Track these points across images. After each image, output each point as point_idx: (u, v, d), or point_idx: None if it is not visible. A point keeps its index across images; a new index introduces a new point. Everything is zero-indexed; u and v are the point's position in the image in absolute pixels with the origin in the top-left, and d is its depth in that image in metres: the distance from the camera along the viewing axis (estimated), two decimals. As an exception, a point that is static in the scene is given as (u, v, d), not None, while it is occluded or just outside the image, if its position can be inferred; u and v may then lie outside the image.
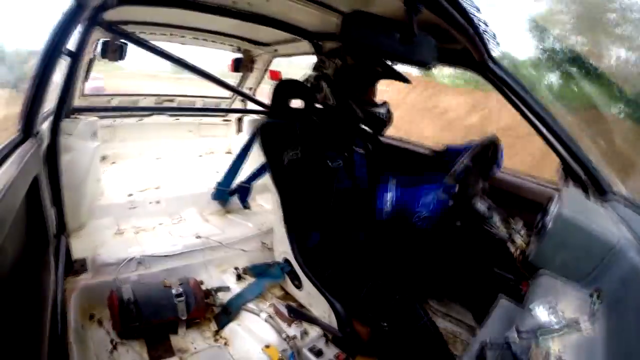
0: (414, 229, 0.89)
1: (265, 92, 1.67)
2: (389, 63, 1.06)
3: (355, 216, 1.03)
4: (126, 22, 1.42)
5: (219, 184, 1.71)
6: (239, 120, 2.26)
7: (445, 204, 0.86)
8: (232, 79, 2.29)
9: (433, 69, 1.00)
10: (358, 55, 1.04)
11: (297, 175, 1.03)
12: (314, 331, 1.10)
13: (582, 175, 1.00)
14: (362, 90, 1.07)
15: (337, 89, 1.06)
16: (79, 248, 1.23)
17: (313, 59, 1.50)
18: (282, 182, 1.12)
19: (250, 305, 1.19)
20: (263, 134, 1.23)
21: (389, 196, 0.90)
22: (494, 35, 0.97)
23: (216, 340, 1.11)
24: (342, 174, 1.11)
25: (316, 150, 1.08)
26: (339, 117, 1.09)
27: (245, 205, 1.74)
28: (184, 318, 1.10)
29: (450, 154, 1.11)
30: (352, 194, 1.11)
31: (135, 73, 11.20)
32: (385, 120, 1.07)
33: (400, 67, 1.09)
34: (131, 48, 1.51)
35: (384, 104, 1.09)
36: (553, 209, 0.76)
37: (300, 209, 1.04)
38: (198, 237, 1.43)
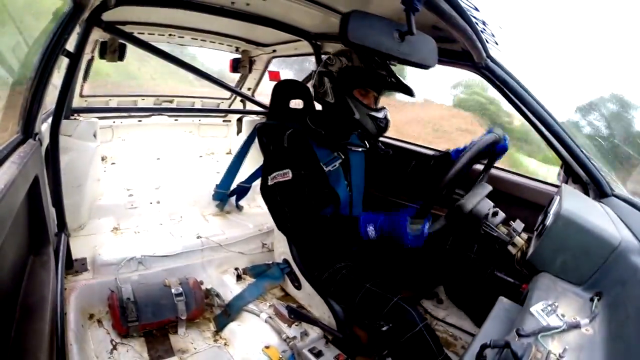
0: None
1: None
2: (391, 63, 1.05)
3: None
4: (125, 23, 1.42)
5: (218, 185, 1.71)
6: (239, 120, 2.25)
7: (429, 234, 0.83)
8: (232, 79, 2.29)
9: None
10: (365, 58, 1.03)
11: (288, 194, 1.00)
12: (314, 332, 1.09)
13: (583, 175, 1.00)
14: (363, 93, 1.06)
15: (338, 86, 1.05)
16: (79, 248, 1.23)
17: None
18: (269, 200, 1.08)
19: (251, 306, 1.19)
20: (261, 135, 1.23)
21: (371, 229, 0.87)
22: (493, 34, 0.97)
23: (216, 341, 1.11)
24: (338, 176, 1.10)
25: (308, 162, 1.05)
26: (335, 115, 1.08)
27: (239, 207, 1.75)
28: (183, 318, 1.10)
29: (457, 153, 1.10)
30: (347, 201, 1.10)
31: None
32: (382, 125, 1.06)
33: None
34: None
35: (383, 109, 1.08)
36: (553, 209, 0.75)
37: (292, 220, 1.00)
38: (198, 237, 1.43)
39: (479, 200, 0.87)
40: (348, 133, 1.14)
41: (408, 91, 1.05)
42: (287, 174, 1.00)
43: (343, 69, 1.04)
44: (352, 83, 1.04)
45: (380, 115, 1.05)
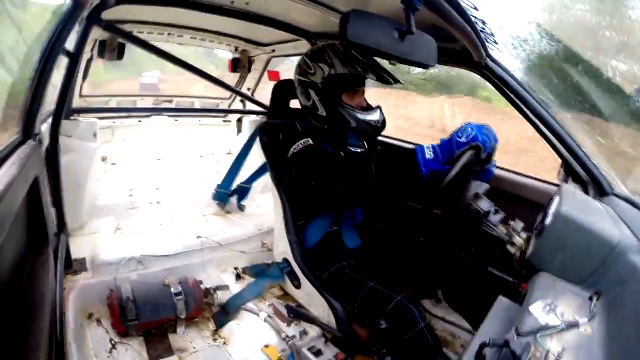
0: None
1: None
2: (391, 62, 1.03)
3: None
4: (125, 22, 1.42)
5: (219, 186, 1.71)
6: (239, 121, 2.26)
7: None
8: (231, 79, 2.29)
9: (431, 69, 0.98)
10: (349, 62, 1.00)
11: (309, 159, 0.99)
12: (314, 331, 1.10)
13: (583, 174, 1.00)
14: (353, 95, 1.03)
15: (326, 98, 1.02)
16: (79, 248, 1.23)
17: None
18: (289, 174, 1.05)
19: (250, 305, 1.20)
20: (263, 135, 1.23)
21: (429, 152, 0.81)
22: (492, 34, 0.97)
23: (215, 340, 1.11)
24: None
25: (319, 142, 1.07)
26: (330, 125, 1.06)
27: (240, 207, 1.75)
28: (183, 317, 1.11)
29: None
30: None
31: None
32: (379, 127, 1.04)
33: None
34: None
35: (377, 108, 1.05)
36: (553, 208, 0.75)
37: (309, 196, 1.00)
38: (198, 237, 1.43)
39: (479, 195, 0.86)
40: (345, 136, 1.14)
41: (394, 80, 1.02)
42: (307, 142, 1.00)
43: (327, 79, 1.01)
44: (340, 91, 1.02)
45: (375, 117, 1.03)
